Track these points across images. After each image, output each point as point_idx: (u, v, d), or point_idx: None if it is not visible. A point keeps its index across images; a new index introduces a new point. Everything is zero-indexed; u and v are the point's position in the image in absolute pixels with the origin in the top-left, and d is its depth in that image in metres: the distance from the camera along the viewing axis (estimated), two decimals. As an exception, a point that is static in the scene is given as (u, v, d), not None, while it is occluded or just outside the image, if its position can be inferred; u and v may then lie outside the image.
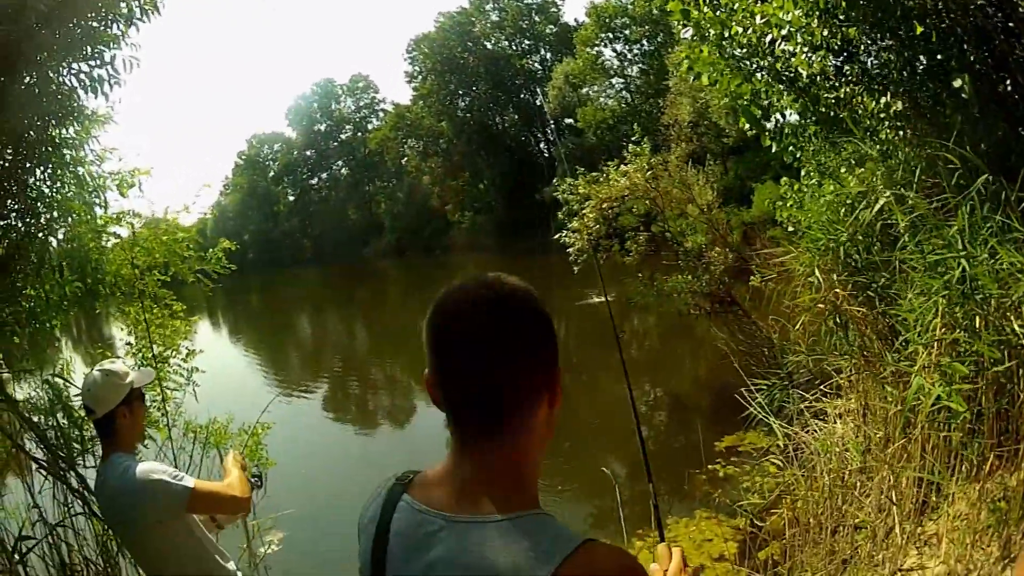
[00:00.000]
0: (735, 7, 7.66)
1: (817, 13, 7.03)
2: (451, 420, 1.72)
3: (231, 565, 4.08)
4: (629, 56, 61.57)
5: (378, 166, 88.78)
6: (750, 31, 7.62)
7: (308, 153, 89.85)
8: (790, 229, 9.40)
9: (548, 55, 71.39)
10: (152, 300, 8.84)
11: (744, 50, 7.81)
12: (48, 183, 6.54)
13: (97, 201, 7.22)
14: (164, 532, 3.70)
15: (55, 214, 6.67)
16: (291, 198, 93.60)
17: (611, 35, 61.06)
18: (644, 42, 58.90)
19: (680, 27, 8.45)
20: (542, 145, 74.07)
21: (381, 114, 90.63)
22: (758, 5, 7.42)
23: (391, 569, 1.72)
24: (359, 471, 14.08)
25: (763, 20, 7.31)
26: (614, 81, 63.51)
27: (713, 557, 8.09)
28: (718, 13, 7.71)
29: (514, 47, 73.67)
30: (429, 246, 75.16)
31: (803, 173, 9.10)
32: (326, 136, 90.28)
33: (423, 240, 76.58)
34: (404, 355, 27.34)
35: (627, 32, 60.03)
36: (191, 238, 8.81)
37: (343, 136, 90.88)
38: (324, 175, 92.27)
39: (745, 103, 8.05)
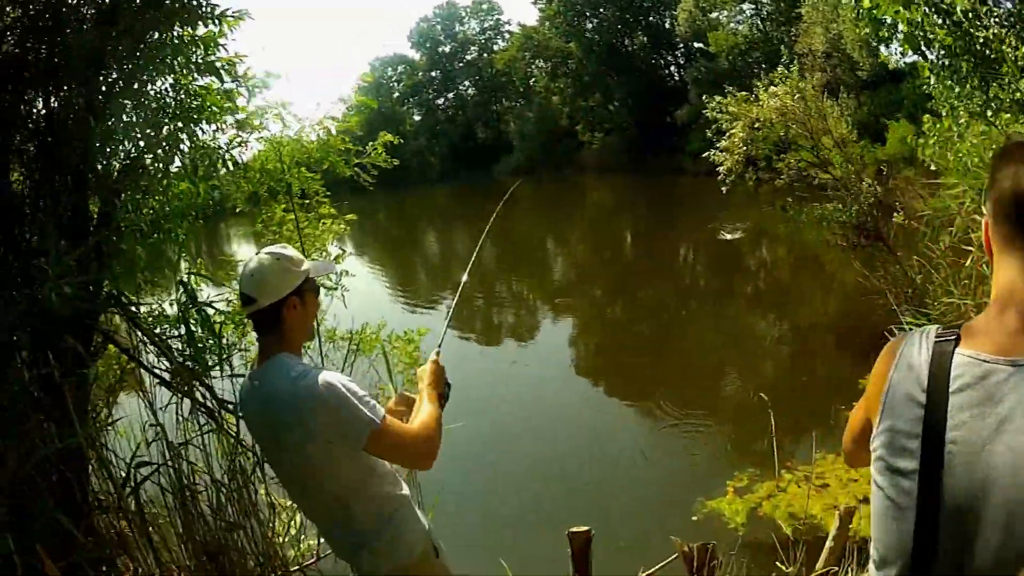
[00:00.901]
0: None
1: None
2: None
3: (405, 489, 3.57)
4: (760, -20, 59.93)
5: (505, 87, 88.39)
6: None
7: (433, 74, 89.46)
8: (932, 168, 9.35)
9: (678, -24, 69.97)
10: (300, 198, 8.48)
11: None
12: (172, 91, 6.00)
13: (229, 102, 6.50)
14: (337, 457, 3.20)
15: (179, 124, 5.99)
16: (417, 118, 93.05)
17: (742, -44, 59.59)
18: (776, -34, 57.07)
19: None
20: (672, 68, 72.96)
21: (507, 35, 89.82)
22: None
23: (958, 429, 1.68)
24: (486, 384, 14.60)
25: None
26: (744, 6, 61.97)
27: (859, 498, 8.04)
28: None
29: (642, -34, 72.17)
30: (559, 165, 74.79)
31: (944, 113, 9.06)
32: (450, 57, 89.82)
33: (553, 159, 76.33)
34: (530, 273, 27.65)
35: (758, -47, 58.47)
36: (351, 127, 8.56)
37: (468, 57, 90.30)
38: (451, 95, 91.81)
39: (909, 30, 7.99)
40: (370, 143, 8.90)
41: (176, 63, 5.80)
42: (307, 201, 8.73)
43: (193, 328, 5.73)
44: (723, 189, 17.71)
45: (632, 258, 32.32)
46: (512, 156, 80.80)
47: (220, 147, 6.68)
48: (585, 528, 5.94)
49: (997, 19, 7.54)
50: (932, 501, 1.70)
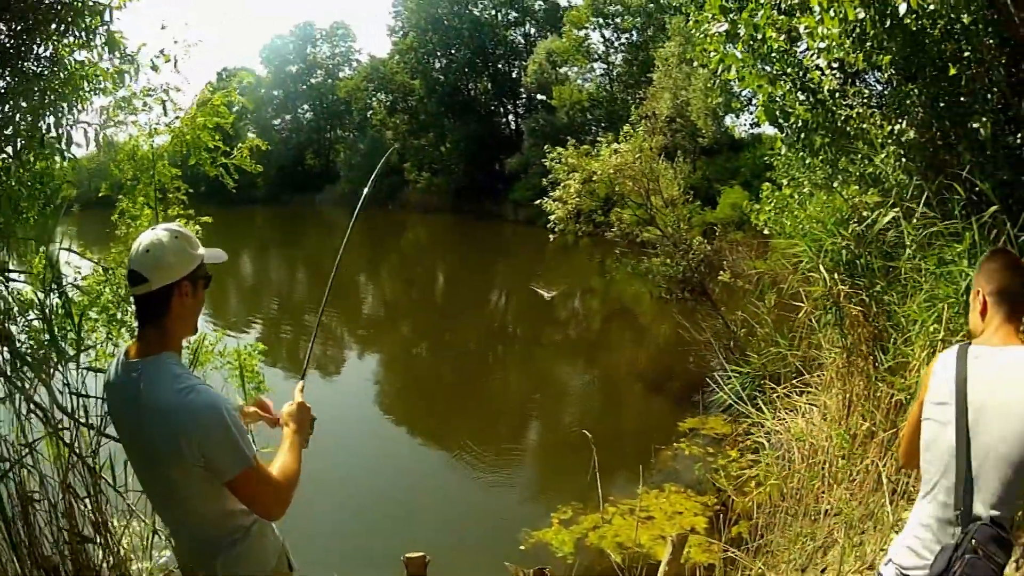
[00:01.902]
0: (771, 13, 8.03)
1: (855, 35, 7.44)
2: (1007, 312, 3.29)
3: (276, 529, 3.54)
4: (616, 44, 61.43)
5: (343, 115, 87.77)
6: (783, 38, 8.02)
7: (275, 93, 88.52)
8: (766, 232, 9.84)
9: (533, 30, 71.08)
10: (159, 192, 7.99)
11: (774, 54, 8.17)
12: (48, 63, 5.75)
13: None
14: (201, 475, 3.03)
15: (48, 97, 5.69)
16: (251, 135, 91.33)
17: (603, 20, 60.72)
18: (634, 33, 58.56)
19: (705, 20, 8.71)
20: (511, 116, 74.20)
21: (355, 63, 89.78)
22: (797, 17, 7.81)
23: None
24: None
25: (806, 30, 7.67)
26: (596, 65, 63.45)
27: (686, 529, 8.35)
28: (756, 17, 8.06)
29: (500, 17, 73.20)
30: (382, 200, 75.12)
31: (784, 183, 9.58)
32: (295, 79, 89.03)
33: (378, 194, 76.31)
34: (344, 305, 27.43)
35: (619, 20, 59.69)
36: (227, 121, 8.06)
37: (313, 81, 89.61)
38: (288, 117, 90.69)
39: (768, 103, 8.40)
40: (237, 145, 8.78)
41: (58, 31, 5.64)
42: (167, 196, 8.25)
43: (49, 312, 5.36)
44: (551, 237, 18.10)
45: (443, 299, 32.51)
46: (337, 185, 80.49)
47: (90, 124, 6.44)
48: (420, 553, 6.02)
49: (864, 99, 8.02)
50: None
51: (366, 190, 5.31)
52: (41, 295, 5.35)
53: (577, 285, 28.79)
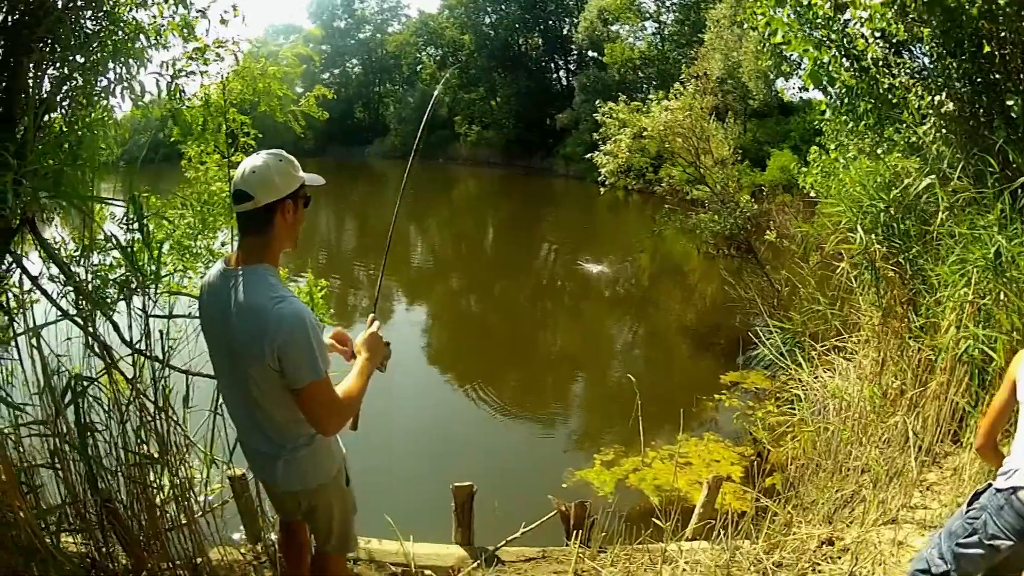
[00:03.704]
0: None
1: (897, 6, 7.59)
2: None
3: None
4: (667, 3, 60.77)
5: (392, 70, 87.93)
6: (828, 5, 8.18)
7: (323, 47, 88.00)
8: (812, 195, 10.00)
9: (586, -14, 70.47)
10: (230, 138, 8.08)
11: (820, 20, 8.33)
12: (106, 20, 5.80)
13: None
14: (277, 379, 3.27)
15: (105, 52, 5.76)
16: (299, 89, 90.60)
17: (657, -22, 60.32)
18: (687, -7, 57.89)
19: None
20: (562, 73, 73.90)
21: (403, 19, 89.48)
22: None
23: None
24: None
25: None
26: (647, 24, 62.96)
27: (723, 476, 8.58)
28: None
29: (552, -28, 72.61)
30: (432, 154, 74.93)
31: (832, 148, 9.73)
32: (344, 33, 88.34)
33: (427, 147, 76.25)
34: (394, 256, 27.55)
35: (673, -21, 59.29)
36: (295, 71, 8.43)
37: (361, 36, 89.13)
38: (336, 71, 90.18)
39: (814, 68, 8.56)
40: (305, 93, 8.79)
41: None
42: (236, 142, 8.28)
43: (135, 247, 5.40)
44: (600, 191, 18.27)
45: (492, 253, 32.55)
46: (386, 139, 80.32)
47: (162, 74, 6.69)
48: (468, 483, 6.32)
49: (909, 70, 8.17)
50: None
51: (416, 142, 5.57)
52: (122, 231, 5.50)
53: (626, 247, 28.48)
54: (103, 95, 5.91)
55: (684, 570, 5.54)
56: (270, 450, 3.57)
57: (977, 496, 3.79)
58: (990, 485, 3.74)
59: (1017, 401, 3.85)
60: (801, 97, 35.91)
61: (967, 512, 3.80)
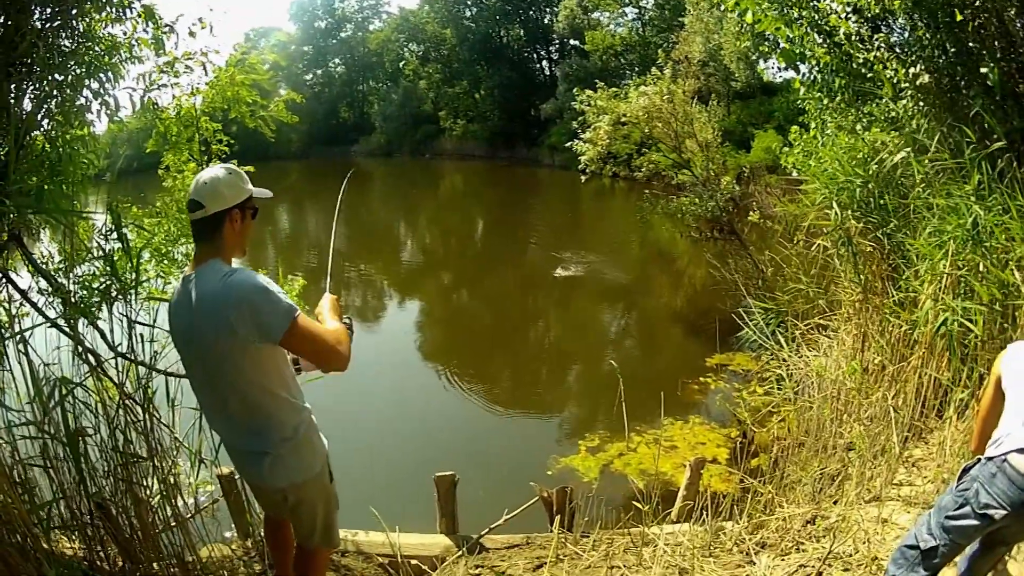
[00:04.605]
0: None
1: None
2: None
3: (309, 406, 3.86)
4: (648, -13, 60.89)
5: (375, 67, 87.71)
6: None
7: (305, 49, 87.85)
8: (794, 175, 9.97)
9: (564, -25, 70.50)
10: (203, 146, 8.26)
11: (790, -4, 8.29)
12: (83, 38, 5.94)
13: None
14: (255, 356, 3.46)
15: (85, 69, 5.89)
16: (283, 92, 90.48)
17: (634, -36, 60.43)
18: (664, -23, 57.89)
19: None
20: (544, 63, 74.01)
21: (384, 16, 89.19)
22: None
23: None
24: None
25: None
26: (628, 10, 63.13)
27: (707, 459, 8.57)
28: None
29: (531, -39, 72.60)
30: (418, 149, 75.16)
31: (812, 126, 9.70)
32: (325, 33, 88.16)
33: (412, 143, 76.55)
34: (380, 256, 27.61)
35: (651, -36, 59.31)
36: (263, 77, 8.46)
37: (343, 35, 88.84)
38: (319, 71, 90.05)
39: (787, 46, 8.52)
40: (274, 99, 8.97)
41: (94, 6, 5.90)
42: (209, 149, 8.44)
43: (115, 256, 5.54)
44: (582, 179, 18.29)
45: (481, 245, 32.59)
46: (372, 137, 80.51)
47: (135, 89, 6.79)
48: (450, 473, 6.33)
49: (884, 45, 8.12)
50: None
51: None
52: (102, 240, 5.67)
53: (611, 236, 28.63)
54: (81, 112, 5.96)
55: (665, 551, 5.51)
56: (255, 447, 3.66)
57: (967, 471, 3.74)
58: (979, 460, 3.69)
59: (1004, 393, 3.88)
60: (783, 77, 35.99)
61: (957, 486, 3.74)
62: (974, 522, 3.60)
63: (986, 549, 3.94)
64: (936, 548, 3.78)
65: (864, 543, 5.22)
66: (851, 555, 5.18)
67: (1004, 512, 3.45)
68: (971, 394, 6.21)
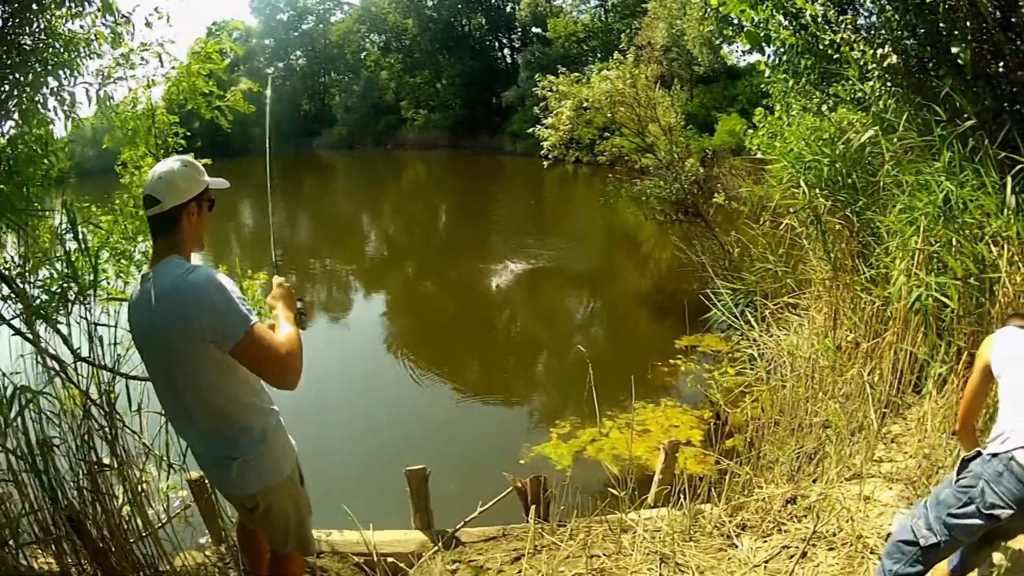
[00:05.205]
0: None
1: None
2: None
3: (277, 408, 3.72)
4: (610, -27, 60.97)
5: (336, 59, 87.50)
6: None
7: (267, 42, 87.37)
8: (759, 156, 9.96)
9: (526, -38, 70.54)
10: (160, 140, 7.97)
11: (755, -22, 8.26)
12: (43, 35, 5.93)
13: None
14: (217, 356, 3.27)
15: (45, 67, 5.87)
16: (244, 86, 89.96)
17: (595, -51, 60.57)
18: (628, -39, 58.00)
19: None
20: (506, 51, 74.11)
21: (346, 7, 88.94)
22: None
23: None
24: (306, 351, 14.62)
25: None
26: (590, -4, 63.19)
27: (681, 442, 8.53)
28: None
29: (491, -50, 72.63)
30: (380, 140, 75.22)
31: (777, 108, 9.70)
32: (287, 26, 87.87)
33: (374, 134, 76.53)
34: (348, 245, 27.47)
35: (611, -52, 59.40)
36: (220, 67, 8.12)
37: (304, 27, 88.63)
38: (281, 64, 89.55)
39: (752, 28, 8.49)
40: (230, 89, 8.64)
41: (53, 3, 5.84)
42: (167, 143, 8.14)
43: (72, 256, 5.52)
44: (544, 164, 18.28)
45: (445, 235, 32.49)
46: (334, 129, 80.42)
47: (90, 84, 6.62)
48: (421, 467, 6.26)
49: (851, 26, 8.09)
50: None
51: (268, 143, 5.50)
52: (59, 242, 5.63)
53: (574, 223, 28.67)
54: (35, 110, 5.86)
55: (644, 538, 5.46)
56: (222, 452, 3.51)
57: (966, 464, 3.62)
58: (979, 453, 3.58)
59: (994, 379, 3.84)
60: (747, 61, 36.21)
61: (957, 481, 3.62)
62: (979, 521, 3.49)
63: (983, 542, 3.84)
64: (937, 544, 3.67)
65: (847, 521, 5.21)
66: (835, 534, 5.17)
67: (1011, 512, 3.35)
68: (950, 369, 6.21)
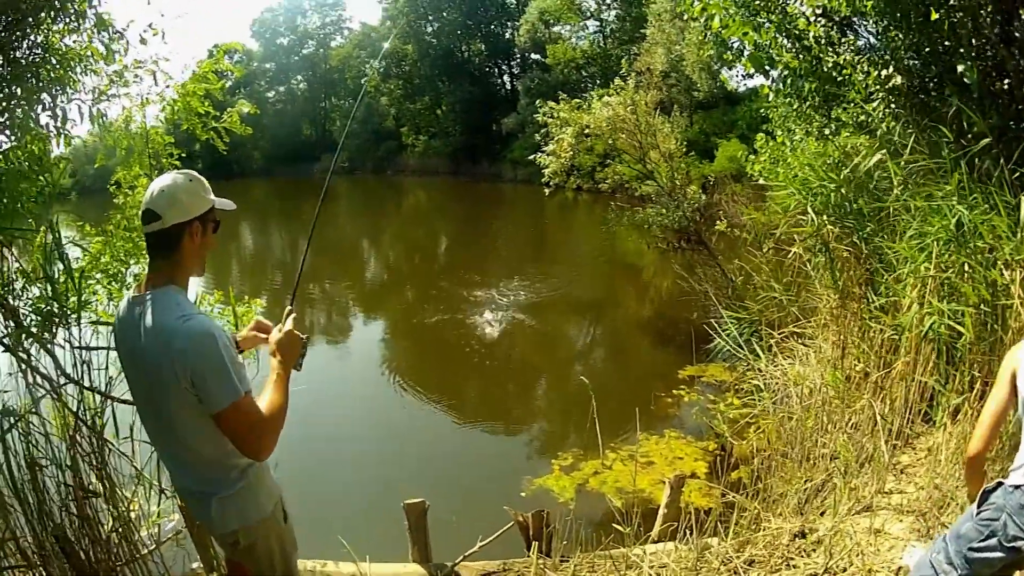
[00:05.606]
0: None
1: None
2: None
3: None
4: (608, 1, 61.28)
5: (337, 84, 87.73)
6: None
7: (268, 66, 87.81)
8: (761, 182, 9.88)
9: (525, -10, 70.87)
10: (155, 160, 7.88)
11: (758, 1, 8.19)
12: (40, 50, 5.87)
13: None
14: (192, 402, 3.07)
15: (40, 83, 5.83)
16: (244, 110, 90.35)
17: (595, -23, 60.86)
18: (627, -11, 58.30)
19: None
20: (506, 77, 74.46)
21: (346, 32, 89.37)
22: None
23: None
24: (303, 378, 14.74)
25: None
26: (589, 23, 63.70)
27: (686, 475, 8.41)
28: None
29: (491, -23, 72.99)
30: (380, 166, 75.45)
31: (779, 133, 9.62)
32: (287, 50, 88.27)
33: (375, 160, 76.75)
34: (347, 274, 27.38)
35: (612, -23, 59.76)
36: (216, 87, 8.20)
37: (305, 51, 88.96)
38: (282, 88, 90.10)
39: (755, 51, 8.43)
40: (226, 110, 8.64)
41: (49, 17, 5.80)
42: (161, 163, 8.04)
43: (56, 276, 5.43)
44: (546, 192, 18.20)
45: (445, 262, 32.26)
46: (334, 155, 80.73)
47: (84, 101, 6.55)
48: (420, 500, 6.11)
49: (854, 48, 8.03)
50: None
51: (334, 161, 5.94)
52: (45, 263, 5.39)
53: (575, 251, 28.64)
54: (27, 124, 5.83)
55: (649, 574, 5.31)
56: (202, 488, 3.36)
57: (986, 495, 3.53)
58: (1000, 484, 3.49)
59: (1017, 398, 3.61)
60: (746, 86, 36.27)
61: (978, 513, 3.53)
62: (1000, 555, 3.42)
63: (1001, 573, 3.71)
64: None
65: (858, 556, 5.07)
66: (845, 569, 5.03)
67: None
68: (963, 398, 6.07)
